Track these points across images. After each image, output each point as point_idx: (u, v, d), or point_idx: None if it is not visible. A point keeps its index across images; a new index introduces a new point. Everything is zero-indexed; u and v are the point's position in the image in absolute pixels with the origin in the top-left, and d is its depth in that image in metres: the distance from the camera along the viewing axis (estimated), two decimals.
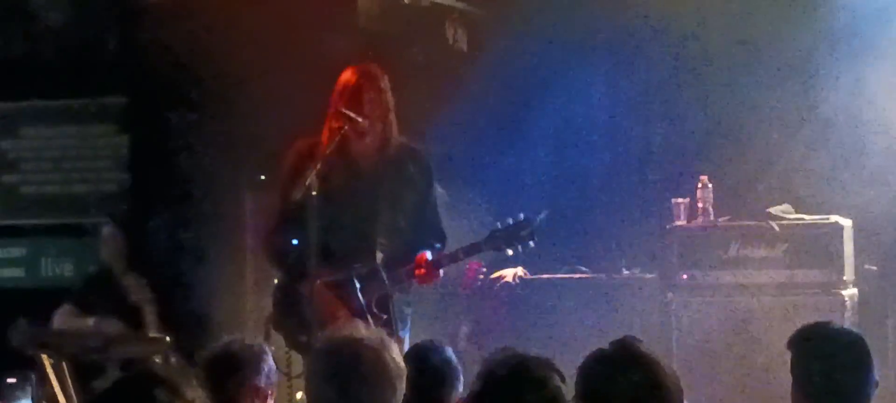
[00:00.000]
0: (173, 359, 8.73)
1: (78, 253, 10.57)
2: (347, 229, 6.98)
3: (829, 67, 9.32)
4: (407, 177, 7.10)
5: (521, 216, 6.96)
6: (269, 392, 5.72)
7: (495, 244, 6.97)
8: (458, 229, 7.51)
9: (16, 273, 10.83)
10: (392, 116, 7.05)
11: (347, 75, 7.04)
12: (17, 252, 10.84)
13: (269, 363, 5.73)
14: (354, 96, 6.94)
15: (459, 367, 5.51)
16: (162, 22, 9.78)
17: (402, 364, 4.56)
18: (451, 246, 7.16)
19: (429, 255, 6.99)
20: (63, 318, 9.51)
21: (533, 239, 6.97)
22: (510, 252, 7.01)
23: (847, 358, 5.06)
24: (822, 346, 5.11)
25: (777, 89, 9.45)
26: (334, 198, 6.82)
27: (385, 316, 6.90)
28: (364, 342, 4.50)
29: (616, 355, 4.33)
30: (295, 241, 6.96)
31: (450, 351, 5.53)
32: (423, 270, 6.96)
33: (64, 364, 8.71)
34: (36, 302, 9.74)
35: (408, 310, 7.12)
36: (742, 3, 9.51)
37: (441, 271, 7.03)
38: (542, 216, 6.98)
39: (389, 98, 7.03)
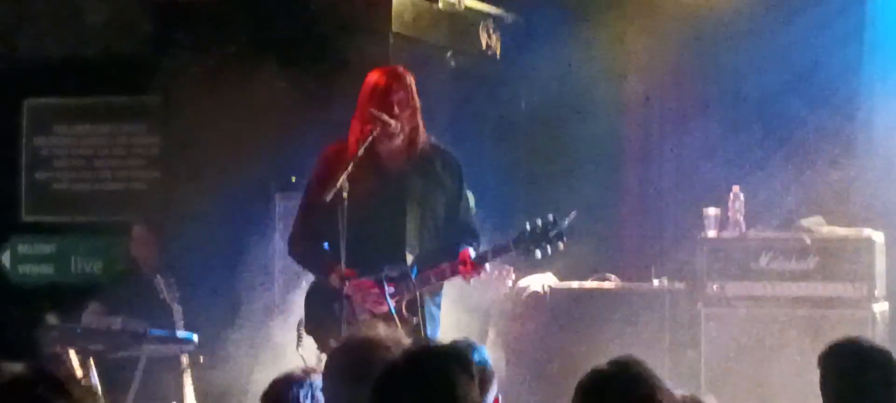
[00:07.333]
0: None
1: (107, 252, 10.58)
2: (377, 231, 6.89)
3: (864, 77, 9.26)
4: (436, 177, 7.02)
5: (550, 217, 6.82)
6: None
7: (524, 245, 6.84)
8: (488, 233, 7.46)
9: (45, 270, 10.84)
10: (420, 117, 6.98)
11: (375, 77, 6.97)
12: (46, 249, 10.85)
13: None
14: (383, 97, 6.86)
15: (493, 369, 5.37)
16: (196, 23, 9.80)
17: None
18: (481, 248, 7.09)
19: (472, 253, 6.88)
20: (91, 316, 9.53)
21: (562, 241, 6.85)
22: (539, 254, 6.88)
23: (877, 376, 5.01)
24: (851, 363, 5.06)
25: (811, 100, 9.39)
26: (364, 200, 6.73)
27: (415, 320, 6.84)
28: (379, 342, 4.44)
29: (613, 374, 4.14)
30: (326, 245, 6.93)
31: (485, 352, 5.28)
32: (467, 266, 6.85)
33: (91, 360, 8.74)
34: (65, 299, 9.78)
35: (437, 312, 7.06)
36: (776, 18, 9.46)
37: (486, 266, 6.94)
38: (570, 217, 6.87)
39: (417, 99, 6.97)
